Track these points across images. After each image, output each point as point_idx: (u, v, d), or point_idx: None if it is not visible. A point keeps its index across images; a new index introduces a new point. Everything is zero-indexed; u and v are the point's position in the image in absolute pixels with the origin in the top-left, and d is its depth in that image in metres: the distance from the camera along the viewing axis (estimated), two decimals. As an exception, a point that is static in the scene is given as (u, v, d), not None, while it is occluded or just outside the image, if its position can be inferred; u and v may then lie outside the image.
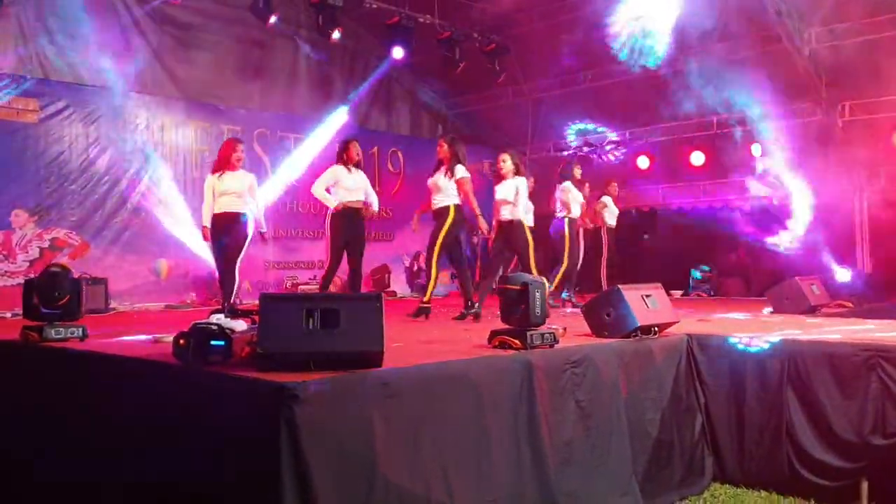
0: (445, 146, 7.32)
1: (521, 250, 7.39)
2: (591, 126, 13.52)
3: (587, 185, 10.14)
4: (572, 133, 13.82)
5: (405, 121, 14.24)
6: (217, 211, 7.44)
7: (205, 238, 7.69)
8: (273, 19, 9.96)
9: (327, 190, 7.53)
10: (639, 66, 10.83)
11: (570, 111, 13.26)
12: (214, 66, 11.35)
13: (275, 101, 12.04)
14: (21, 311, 5.05)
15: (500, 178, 7.62)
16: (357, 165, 7.60)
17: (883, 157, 10.75)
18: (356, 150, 7.60)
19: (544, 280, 4.40)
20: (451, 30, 11.23)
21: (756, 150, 11.81)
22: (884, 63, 9.66)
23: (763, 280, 10.86)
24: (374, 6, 10.61)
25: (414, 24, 10.86)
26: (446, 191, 7.20)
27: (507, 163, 7.54)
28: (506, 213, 7.42)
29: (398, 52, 11.15)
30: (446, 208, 7.18)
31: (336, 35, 10.56)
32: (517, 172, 7.51)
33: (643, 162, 13.10)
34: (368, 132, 12.81)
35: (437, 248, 7.11)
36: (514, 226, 7.38)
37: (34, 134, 9.45)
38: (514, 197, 7.35)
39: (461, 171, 7.18)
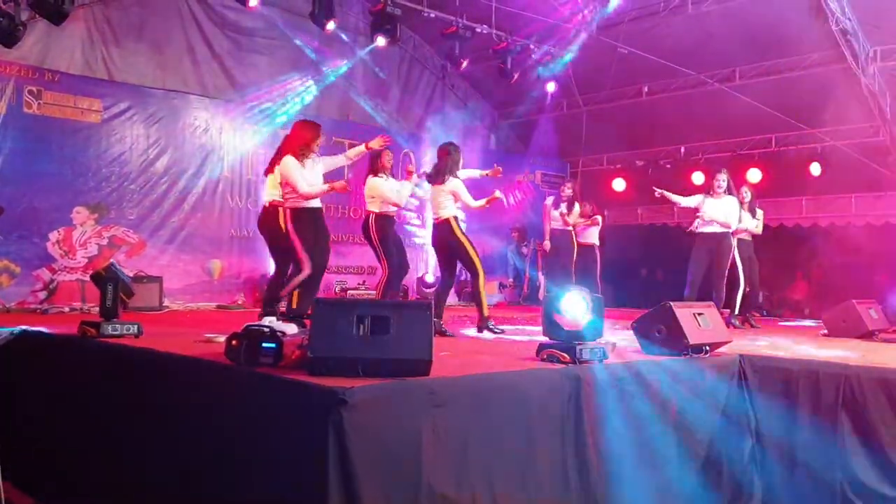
0: None
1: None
2: (640, 140, 13.38)
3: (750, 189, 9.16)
4: (622, 147, 13.73)
5: (457, 128, 14.23)
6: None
7: None
8: (332, 26, 10.05)
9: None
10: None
11: (621, 125, 13.13)
12: (274, 71, 11.51)
13: (331, 106, 12.16)
14: (79, 305, 5.19)
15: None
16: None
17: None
18: (388, 158, 7.29)
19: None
20: (507, 40, 11.23)
21: (815, 168, 11.58)
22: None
23: (816, 303, 10.62)
24: (432, 15, 10.65)
25: (471, 33, 10.88)
26: None
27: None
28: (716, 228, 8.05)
29: (453, 62, 11.18)
30: None
31: (393, 44, 10.64)
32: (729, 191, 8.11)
33: (697, 178, 12.87)
34: (421, 138, 12.90)
35: None
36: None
37: (97, 134, 9.67)
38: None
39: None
